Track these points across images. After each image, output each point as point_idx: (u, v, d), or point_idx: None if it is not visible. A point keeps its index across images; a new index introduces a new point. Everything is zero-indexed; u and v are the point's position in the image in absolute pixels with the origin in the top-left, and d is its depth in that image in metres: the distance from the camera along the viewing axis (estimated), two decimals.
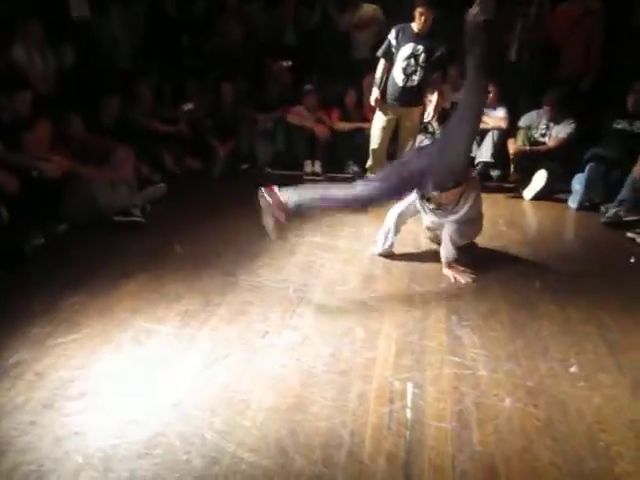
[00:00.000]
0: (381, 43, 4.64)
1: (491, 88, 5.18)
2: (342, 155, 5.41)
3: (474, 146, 5.29)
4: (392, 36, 4.54)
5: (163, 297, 3.12)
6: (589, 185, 4.57)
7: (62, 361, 2.53)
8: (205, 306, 3.01)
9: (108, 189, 4.13)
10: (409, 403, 2.27)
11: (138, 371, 2.47)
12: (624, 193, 4.29)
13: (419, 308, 3.00)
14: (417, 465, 1.97)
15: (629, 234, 3.99)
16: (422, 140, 5.21)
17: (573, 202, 4.70)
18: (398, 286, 3.26)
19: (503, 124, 5.14)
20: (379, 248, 3.61)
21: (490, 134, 5.12)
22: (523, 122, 5.15)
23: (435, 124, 5.25)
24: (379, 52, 4.65)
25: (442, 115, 5.27)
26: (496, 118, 5.20)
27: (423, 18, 4.38)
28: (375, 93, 4.67)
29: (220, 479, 1.90)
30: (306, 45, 6.17)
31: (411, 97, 4.60)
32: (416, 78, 4.53)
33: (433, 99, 4.65)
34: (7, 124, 3.99)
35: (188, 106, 5.69)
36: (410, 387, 2.35)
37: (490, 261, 3.60)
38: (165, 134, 5.39)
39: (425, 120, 4.76)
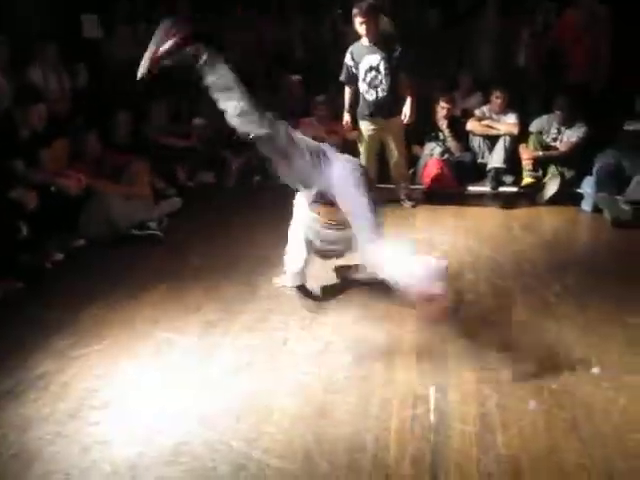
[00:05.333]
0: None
1: (500, 94, 5.22)
2: None
3: (485, 152, 5.31)
4: (348, 59, 4.53)
5: (183, 308, 3.14)
6: (600, 187, 4.56)
7: (86, 371, 2.57)
8: (225, 315, 3.04)
9: (124, 203, 4.18)
10: (432, 406, 2.26)
11: (161, 380, 2.50)
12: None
13: None
14: (442, 468, 1.97)
15: None
16: (433, 147, 5.23)
17: (586, 205, 4.69)
18: None
19: (514, 130, 5.14)
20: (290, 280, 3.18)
21: (501, 140, 5.11)
22: (534, 127, 5.15)
23: (446, 131, 5.27)
24: (341, 77, 4.64)
25: (452, 121, 5.31)
26: (507, 124, 5.20)
27: (364, 27, 4.34)
28: (346, 117, 4.69)
29: None
30: (316, 58, 6.24)
31: (386, 108, 4.53)
32: (385, 87, 4.47)
33: (407, 101, 4.54)
34: (25, 141, 4.07)
35: (199, 120, 5.75)
36: (433, 391, 2.35)
37: (507, 265, 3.60)
38: (178, 148, 5.45)
39: (405, 122, 4.59)
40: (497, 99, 5.23)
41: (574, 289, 3.23)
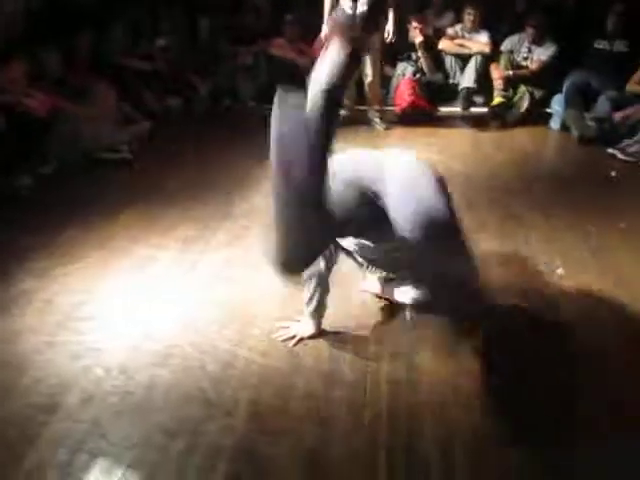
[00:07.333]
0: None
1: (472, 11, 5.16)
2: None
3: (457, 72, 5.30)
4: None
5: (160, 227, 3.16)
6: (568, 104, 4.64)
7: (68, 288, 2.59)
8: (203, 233, 3.07)
9: (92, 126, 4.08)
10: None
11: (144, 293, 2.55)
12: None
13: None
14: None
15: (610, 150, 4.09)
16: (405, 67, 5.19)
17: (555, 123, 4.78)
18: None
19: (486, 48, 5.13)
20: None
21: (473, 59, 5.11)
22: (505, 46, 5.15)
23: (420, 51, 5.19)
24: None
25: (426, 42, 5.24)
26: (479, 43, 5.18)
27: None
28: (324, 30, 4.48)
29: (236, 381, 2.01)
30: None
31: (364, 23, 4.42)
32: (364, 1, 4.35)
33: (390, 17, 4.50)
34: None
35: (162, 42, 5.54)
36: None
37: (479, 180, 3.69)
38: (142, 71, 5.27)
39: (387, 40, 4.58)
40: (469, 16, 5.17)
41: (541, 201, 3.37)
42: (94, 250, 2.92)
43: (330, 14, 4.52)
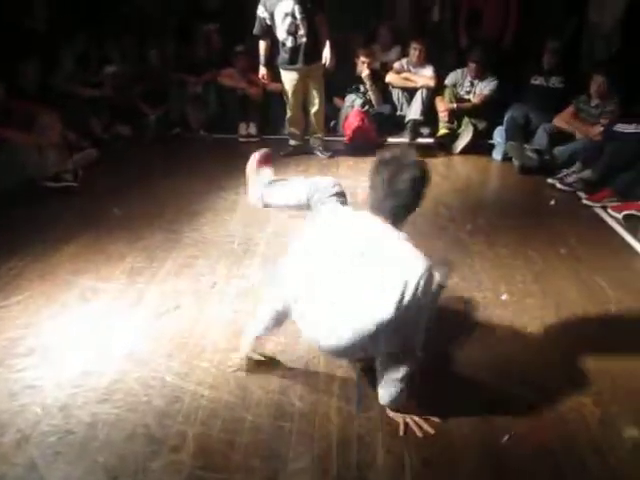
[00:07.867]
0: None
1: (417, 45, 5.35)
2: (277, 116, 5.41)
3: (404, 104, 5.46)
4: (260, 10, 4.47)
5: (106, 257, 3.09)
6: (509, 136, 4.84)
7: (7, 322, 2.49)
8: (150, 263, 3.02)
9: (36, 154, 3.98)
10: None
11: (88, 326, 2.47)
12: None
13: None
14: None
15: (550, 180, 4.28)
16: (354, 99, 5.31)
17: (497, 154, 4.97)
18: None
19: (431, 82, 5.30)
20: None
21: (419, 93, 5.27)
22: (449, 80, 5.34)
23: (368, 84, 5.33)
24: (255, 31, 4.58)
25: (373, 75, 5.39)
26: (424, 77, 5.35)
27: None
28: (262, 71, 4.68)
29: (182, 415, 1.97)
30: (231, 8, 6.08)
31: (306, 54, 4.50)
32: (303, 33, 4.45)
33: (326, 44, 4.54)
34: None
35: (111, 69, 5.49)
36: None
37: (425, 208, 3.75)
38: (90, 98, 5.20)
39: (327, 65, 4.60)
40: (415, 50, 5.35)
41: (484, 228, 3.47)
42: (36, 282, 2.83)
43: (265, 54, 4.63)
